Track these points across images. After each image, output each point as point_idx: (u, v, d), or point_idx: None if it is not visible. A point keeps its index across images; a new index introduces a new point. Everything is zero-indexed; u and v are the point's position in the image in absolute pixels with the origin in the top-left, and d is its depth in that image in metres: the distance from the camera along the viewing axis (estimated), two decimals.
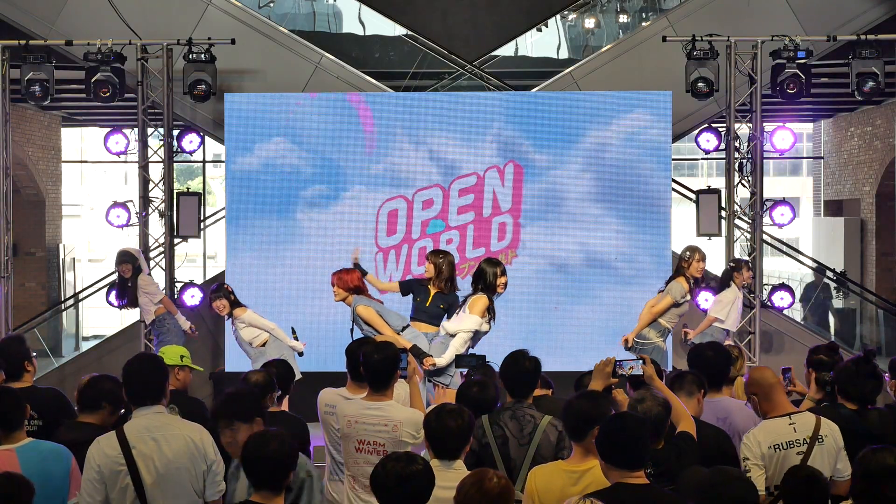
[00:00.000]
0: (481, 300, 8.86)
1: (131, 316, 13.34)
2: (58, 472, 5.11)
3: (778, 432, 5.61)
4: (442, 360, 8.72)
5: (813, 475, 4.80)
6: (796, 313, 18.00)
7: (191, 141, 12.46)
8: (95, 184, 32.93)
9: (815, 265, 17.44)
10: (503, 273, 9.07)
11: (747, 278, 11.43)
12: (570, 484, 5.06)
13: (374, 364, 5.93)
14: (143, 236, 12.45)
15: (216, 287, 10.86)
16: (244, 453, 4.81)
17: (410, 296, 9.59)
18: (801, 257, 17.42)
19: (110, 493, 5.08)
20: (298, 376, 9.94)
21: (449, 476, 4.90)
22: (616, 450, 4.69)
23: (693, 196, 12.69)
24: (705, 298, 11.94)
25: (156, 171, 12.78)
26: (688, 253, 10.70)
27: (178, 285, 12.40)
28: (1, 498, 4.41)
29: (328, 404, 6.41)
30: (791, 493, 4.77)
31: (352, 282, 9.35)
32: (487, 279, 8.96)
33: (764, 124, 12.35)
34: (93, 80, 11.74)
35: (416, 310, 9.69)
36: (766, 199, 12.22)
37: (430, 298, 9.62)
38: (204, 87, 11.97)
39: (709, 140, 12.16)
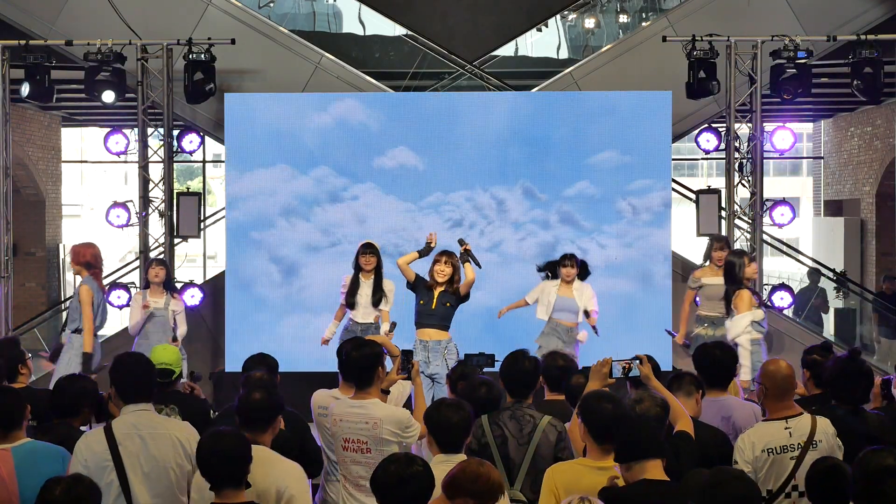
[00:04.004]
0: (742, 296, 9.25)
1: None
2: (54, 472, 5.11)
3: (773, 435, 5.57)
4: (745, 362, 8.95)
5: (835, 466, 4.78)
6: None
7: (191, 141, 12.46)
8: (95, 184, 32.97)
9: (814, 265, 17.44)
10: (751, 260, 9.65)
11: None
12: (600, 479, 5.05)
13: (353, 362, 5.95)
14: (143, 236, 12.44)
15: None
16: (199, 456, 4.82)
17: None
18: (801, 257, 17.43)
19: None
20: None
21: None
22: (630, 439, 4.77)
23: (693, 196, 12.68)
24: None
25: (156, 171, 12.78)
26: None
27: (178, 285, 12.39)
28: (70, 500, 4.46)
29: (321, 406, 6.41)
30: (814, 484, 4.75)
31: (84, 256, 9.99)
32: (736, 273, 9.43)
33: (764, 124, 12.33)
34: (94, 80, 11.74)
35: (420, 314, 9.88)
36: (766, 199, 12.21)
37: (435, 299, 9.71)
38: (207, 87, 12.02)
39: (709, 140, 12.16)
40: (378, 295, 10.41)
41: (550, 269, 10.73)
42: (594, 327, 10.59)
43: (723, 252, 10.74)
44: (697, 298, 11.00)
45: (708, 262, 11.05)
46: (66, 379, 6.32)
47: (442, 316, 9.78)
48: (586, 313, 10.51)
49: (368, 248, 10.48)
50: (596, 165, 12.21)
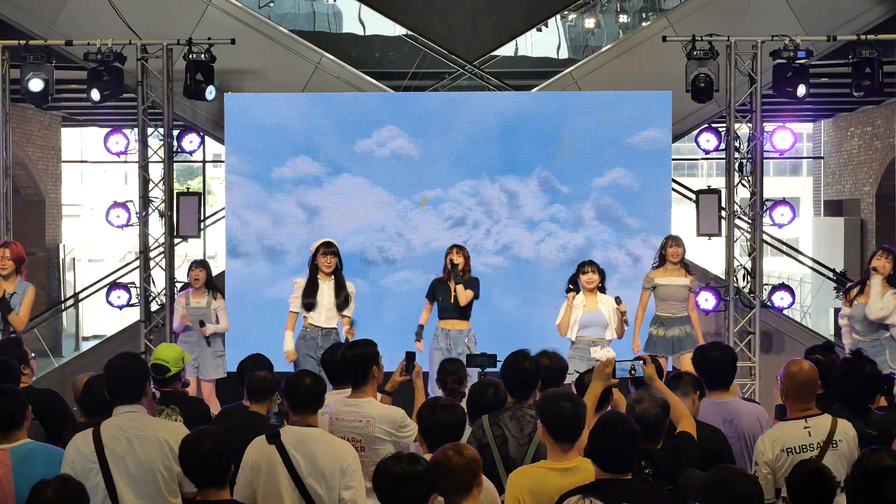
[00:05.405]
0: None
1: (131, 316, 13.33)
2: (52, 473, 5.12)
3: (791, 435, 5.56)
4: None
5: (818, 469, 4.78)
6: (796, 313, 18.02)
7: (191, 141, 12.46)
8: (95, 184, 32.93)
9: (814, 265, 17.45)
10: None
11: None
12: (564, 481, 5.02)
13: (347, 361, 6.00)
14: (143, 236, 12.44)
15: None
16: (181, 456, 4.92)
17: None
18: (801, 257, 17.44)
19: None
20: None
21: None
22: (605, 453, 4.69)
23: (693, 196, 12.68)
24: (705, 299, 11.93)
25: (156, 171, 12.77)
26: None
27: (178, 285, 12.39)
28: (60, 500, 4.48)
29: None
30: (797, 487, 4.76)
31: (21, 253, 9.63)
32: None
33: (764, 124, 12.33)
34: (97, 81, 11.70)
35: (444, 309, 10.26)
36: (766, 199, 12.21)
37: (453, 295, 10.13)
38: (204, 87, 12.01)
39: (709, 140, 12.14)
40: (342, 297, 10.10)
41: (572, 283, 10.46)
42: (624, 314, 10.14)
43: (677, 248, 10.77)
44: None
45: (663, 263, 10.94)
46: (96, 379, 6.31)
47: (462, 309, 10.19)
48: (618, 300, 10.17)
49: (329, 248, 10.13)
50: (595, 165, 12.15)
